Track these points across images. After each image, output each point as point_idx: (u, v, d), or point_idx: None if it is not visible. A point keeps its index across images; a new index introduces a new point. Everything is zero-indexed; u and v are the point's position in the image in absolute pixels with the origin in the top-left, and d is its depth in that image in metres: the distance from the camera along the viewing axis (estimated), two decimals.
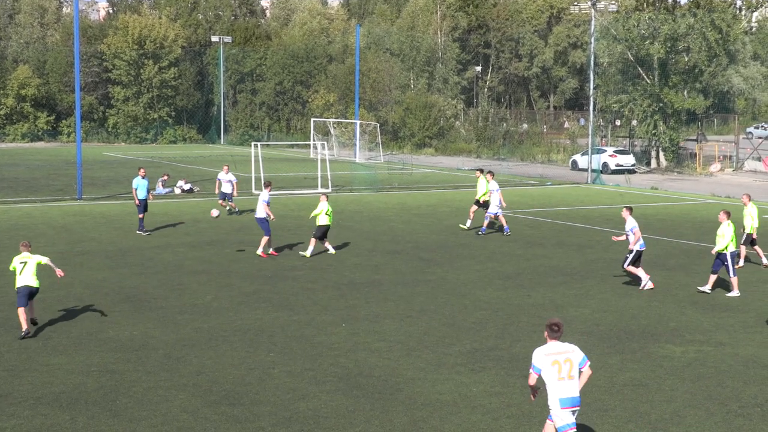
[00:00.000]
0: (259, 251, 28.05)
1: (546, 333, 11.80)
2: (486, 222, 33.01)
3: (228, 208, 38.29)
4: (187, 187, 46.66)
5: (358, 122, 75.12)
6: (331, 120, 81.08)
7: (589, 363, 11.81)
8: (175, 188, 46.36)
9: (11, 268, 19.31)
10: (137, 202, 32.60)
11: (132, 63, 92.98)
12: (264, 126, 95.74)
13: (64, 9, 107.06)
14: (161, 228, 33.75)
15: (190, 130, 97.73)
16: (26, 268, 18.88)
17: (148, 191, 33.10)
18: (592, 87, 59.81)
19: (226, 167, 39.27)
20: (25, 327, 18.44)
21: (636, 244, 23.80)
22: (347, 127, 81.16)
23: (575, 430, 11.62)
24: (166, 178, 47.35)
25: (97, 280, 24.16)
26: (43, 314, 20.20)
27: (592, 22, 58.27)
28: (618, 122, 73.76)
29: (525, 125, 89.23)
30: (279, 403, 14.61)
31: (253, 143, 53.01)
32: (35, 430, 13.39)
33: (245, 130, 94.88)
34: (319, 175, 48.51)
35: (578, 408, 11.71)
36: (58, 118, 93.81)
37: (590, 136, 59.39)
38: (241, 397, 14.86)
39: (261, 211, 28.25)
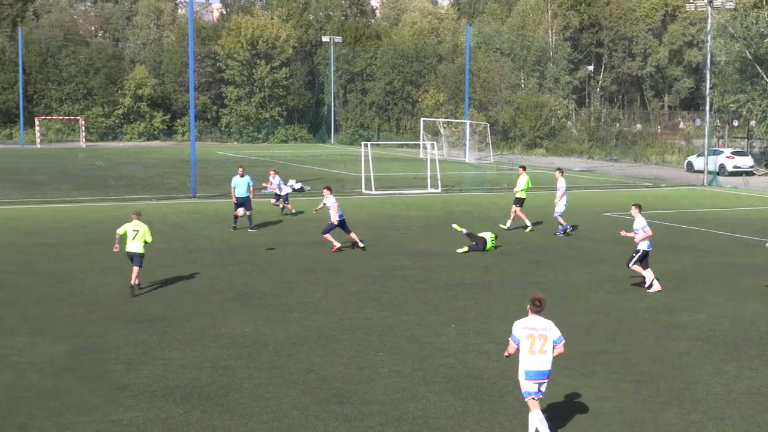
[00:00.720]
0: (360, 243, 28.82)
1: (528, 307, 12.71)
2: (560, 220, 32.93)
3: (283, 208, 37.78)
4: (297, 186, 47.10)
5: (468, 122, 74.89)
6: (440, 120, 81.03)
7: (563, 342, 12.73)
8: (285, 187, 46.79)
9: (121, 232, 22.22)
10: (234, 199, 33.19)
11: (245, 63, 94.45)
12: (374, 125, 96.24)
13: (179, 10, 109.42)
14: (270, 226, 34.17)
15: (301, 130, 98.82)
16: (137, 236, 22.03)
17: (250, 189, 33.51)
18: (708, 86, 58.47)
19: (272, 171, 38.85)
20: (131, 282, 22.04)
21: (643, 243, 23.34)
22: (457, 126, 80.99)
23: (538, 398, 12.78)
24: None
25: (209, 277, 24.57)
26: (158, 309, 20.64)
27: (709, 20, 56.97)
28: (736, 123, 71.95)
29: (638, 125, 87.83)
30: (388, 402, 14.61)
31: (362, 143, 53.32)
32: (151, 423, 13.66)
33: (355, 130, 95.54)
34: (428, 175, 48.49)
35: (545, 380, 12.72)
36: (173, 118, 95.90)
37: (706, 137, 58.09)
38: (351, 396, 14.90)
39: (336, 215, 28.60)
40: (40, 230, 32.51)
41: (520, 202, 33.89)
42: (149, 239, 22.21)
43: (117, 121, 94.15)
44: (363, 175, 47.70)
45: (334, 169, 59.92)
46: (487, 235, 29.30)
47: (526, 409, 14.39)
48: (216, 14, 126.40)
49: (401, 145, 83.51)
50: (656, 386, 15.61)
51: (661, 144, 79.94)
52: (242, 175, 33.53)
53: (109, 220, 34.27)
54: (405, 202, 42.60)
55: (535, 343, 12.54)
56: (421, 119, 79.72)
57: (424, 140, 69.74)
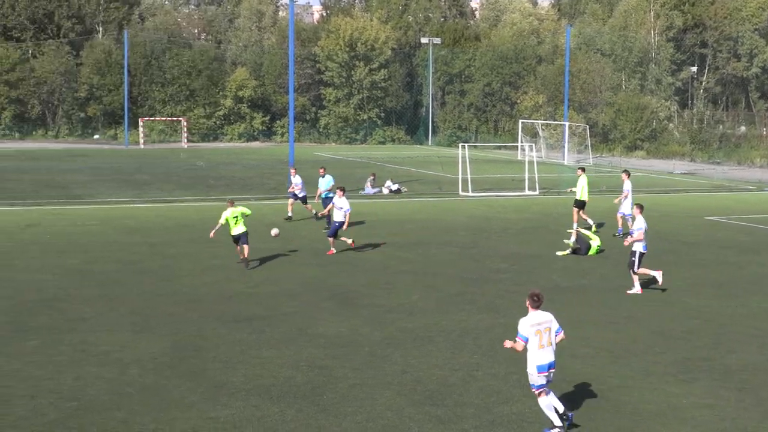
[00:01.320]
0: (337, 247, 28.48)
1: (528, 303, 13.36)
2: (621, 222, 32.93)
3: (314, 211, 35.78)
4: (394, 187, 47.28)
5: (567, 124, 74.16)
6: (539, 121, 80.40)
7: (563, 331, 13.59)
8: (383, 188, 47.07)
9: (223, 222, 25.84)
10: (317, 200, 33.47)
11: (343, 65, 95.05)
12: (471, 127, 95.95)
13: (280, 13, 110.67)
14: (365, 226, 34.34)
15: (399, 131, 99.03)
16: (239, 220, 25.61)
17: (328, 190, 33.67)
18: None
19: (293, 170, 36.80)
20: (241, 257, 25.73)
21: (638, 244, 23.09)
22: (556, 128, 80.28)
23: (545, 389, 13.37)
24: (373, 177, 48.13)
25: (306, 277, 24.81)
26: (256, 309, 20.93)
27: None
28: None
29: (743, 127, 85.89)
30: (482, 405, 14.57)
31: (460, 144, 53.20)
32: (246, 420, 13.86)
33: (453, 131, 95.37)
34: (526, 177, 48.18)
35: (553, 370, 13.39)
36: (272, 119, 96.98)
37: None
38: (445, 398, 14.90)
39: (339, 216, 28.24)
40: (144, 229, 33.24)
41: (580, 204, 33.83)
42: (248, 212, 26.12)
43: (218, 122, 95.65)
44: (460, 176, 47.60)
45: (432, 171, 59.94)
46: (595, 243, 29.02)
47: (623, 414, 14.24)
48: (316, 16, 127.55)
49: (499, 147, 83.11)
50: (758, 395, 15.25)
51: (766, 146, 78.03)
52: (323, 176, 33.84)
53: (211, 219, 34.79)
54: (502, 205, 42.40)
55: (543, 337, 13.25)
56: (520, 121, 79.21)
57: (522, 142, 69.27)
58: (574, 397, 15.00)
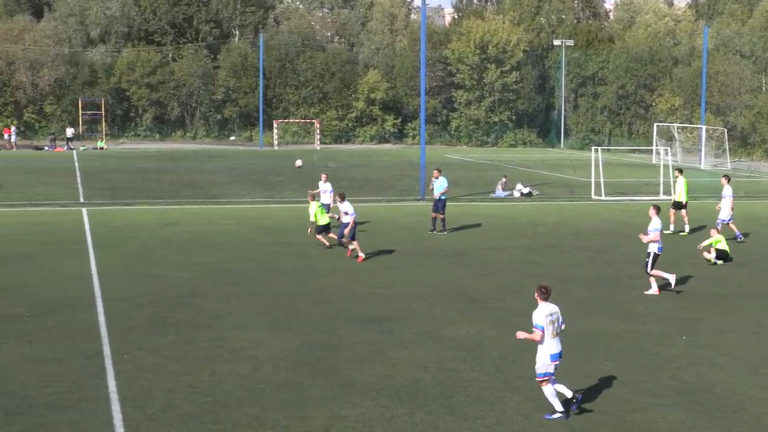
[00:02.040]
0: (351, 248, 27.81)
1: (537, 295, 14.06)
2: (734, 226, 32.13)
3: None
4: (526, 190, 46.97)
5: (704, 127, 72.41)
6: (675, 125, 78.72)
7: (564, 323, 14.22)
8: (514, 191, 46.82)
9: (313, 218, 29.11)
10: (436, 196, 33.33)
11: (475, 67, 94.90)
12: (605, 130, 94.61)
13: (412, 16, 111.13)
14: (498, 229, 34.22)
15: (530, 134, 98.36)
16: (323, 212, 29.15)
17: (442, 192, 33.22)
18: None
19: (324, 175, 34.65)
20: (327, 244, 28.88)
21: (653, 245, 22.85)
22: (692, 132, 78.45)
23: (551, 377, 13.95)
24: (504, 180, 47.90)
25: (434, 278, 24.86)
26: (387, 310, 21.09)
27: None
28: None
29: None
30: (614, 413, 14.36)
31: (593, 148, 52.51)
32: (376, 420, 13.98)
33: (586, 135, 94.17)
34: (661, 182, 47.23)
35: (560, 359, 14.00)
36: (403, 121, 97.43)
37: None
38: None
39: (346, 219, 27.61)
40: (278, 229, 33.85)
41: (679, 205, 33.97)
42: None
43: (350, 123, 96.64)
44: (593, 180, 46.98)
45: (563, 174, 59.31)
46: (721, 245, 28.31)
47: (762, 427, 13.85)
48: (448, 19, 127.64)
49: (633, 150, 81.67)
50: None
51: None
52: (437, 178, 33.54)
53: None
54: (636, 209, 41.61)
55: (554, 327, 13.87)
56: (655, 124, 77.63)
57: (657, 145, 67.90)
58: (710, 408, 14.66)
